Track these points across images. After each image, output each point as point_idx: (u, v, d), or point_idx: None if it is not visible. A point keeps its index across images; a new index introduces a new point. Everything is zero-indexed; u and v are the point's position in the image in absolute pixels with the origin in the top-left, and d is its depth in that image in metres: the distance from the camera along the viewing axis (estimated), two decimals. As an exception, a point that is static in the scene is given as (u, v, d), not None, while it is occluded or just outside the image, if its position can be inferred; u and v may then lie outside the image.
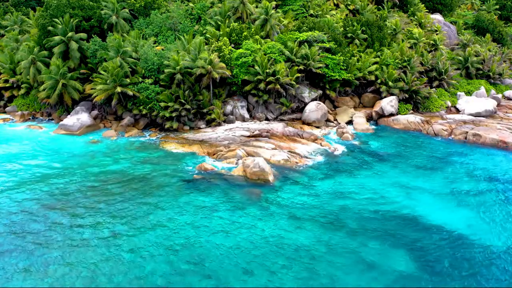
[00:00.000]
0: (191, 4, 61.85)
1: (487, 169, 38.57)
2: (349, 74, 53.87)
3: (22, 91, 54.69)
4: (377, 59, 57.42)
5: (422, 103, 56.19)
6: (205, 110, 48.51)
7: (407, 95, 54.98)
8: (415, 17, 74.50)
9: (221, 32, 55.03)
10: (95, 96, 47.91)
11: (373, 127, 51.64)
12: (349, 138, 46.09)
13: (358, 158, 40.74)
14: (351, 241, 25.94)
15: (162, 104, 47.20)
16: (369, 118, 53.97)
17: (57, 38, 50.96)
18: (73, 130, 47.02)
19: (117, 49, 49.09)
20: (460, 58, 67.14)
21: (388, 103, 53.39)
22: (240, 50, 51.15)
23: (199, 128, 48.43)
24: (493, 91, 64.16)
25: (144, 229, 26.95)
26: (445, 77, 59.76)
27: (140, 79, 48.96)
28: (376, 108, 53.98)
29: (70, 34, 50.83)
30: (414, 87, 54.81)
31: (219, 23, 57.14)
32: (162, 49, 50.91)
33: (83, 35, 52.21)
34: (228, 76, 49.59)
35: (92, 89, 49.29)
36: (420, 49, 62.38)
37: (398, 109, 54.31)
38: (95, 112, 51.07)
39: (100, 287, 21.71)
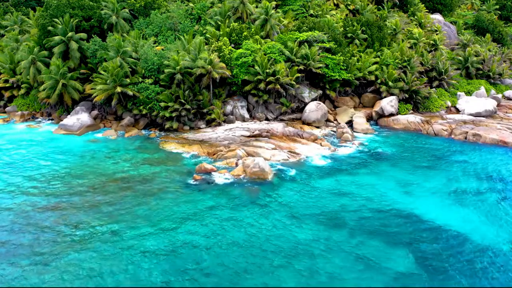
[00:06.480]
0: (191, 4, 61.87)
1: (487, 168, 38.56)
2: (349, 74, 53.88)
3: (22, 91, 54.76)
4: (377, 59, 57.43)
5: (422, 103, 56.20)
6: (205, 110, 48.52)
7: (407, 95, 54.99)
8: (415, 17, 74.52)
9: (221, 32, 55.04)
10: (95, 96, 47.93)
11: (373, 127, 51.63)
12: (349, 138, 46.07)
13: (358, 158, 40.76)
14: (351, 240, 25.95)
15: (162, 104, 47.21)
16: (369, 118, 53.97)
17: (57, 38, 50.99)
18: (73, 130, 47.03)
19: (117, 49, 49.11)
20: (460, 58, 67.17)
21: (388, 103, 53.39)
22: (240, 50, 51.16)
23: (199, 128, 48.43)
24: (493, 91, 64.19)
25: (144, 228, 26.95)
26: (445, 77, 59.77)
27: (140, 79, 48.98)
28: (376, 108, 53.98)
29: (70, 34, 50.86)
30: (414, 87, 54.82)
31: (219, 23, 57.16)
32: (162, 49, 50.92)
33: (83, 35, 52.25)
34: (228, 76, 49.59)
35: (92, 89, 49.31)
36: (420, 49, 62.38)
37: (398, 109, 54.31)
38: (95, 112, 51.09)
39: (100, 286, 21.71)
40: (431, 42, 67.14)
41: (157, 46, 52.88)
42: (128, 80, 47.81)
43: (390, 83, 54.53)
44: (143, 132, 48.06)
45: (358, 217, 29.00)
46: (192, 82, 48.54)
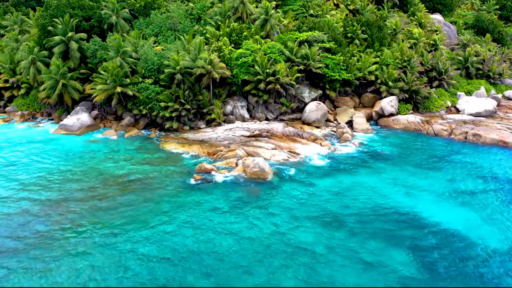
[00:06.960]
0: (191, 4, 61.88)
1: (487, 168, 38.56)
2: (349, 74, 53.88)
3: (22, 91, 54.76)
4: (377, 59, 57.44)
5: (422, 103, 56.21)
6: (205, 110, 48.52)
7: (407, 95, 54.99)
8: (415, 17, 74.53)
9: (221, 32, 55.04)
10: (95, 96, 47.93)
11: (373, 127, 51.66)
12: (349, 138, 46.07)
13: (358, 158, 40.76)
14: (351, 240, 25.95)
15: (162, 104, 47.22)
16: (369, 118, 53.97)
17: (57, 38, 51.00)
18: (73, 130, 47.02)
19: (117, 49, 49.11)
20: (460, 58, 67.17)
21: (388, 103, 53.39)
22: (240, 50, 51.16)
23: (199, 128, 48.43)
24: (493, 91, 64.19)
25: (144, 228, 26.95)
26: (445, 77, 59.77)
27: (140, 79, 48.98)
28: (376, 108, 53.98)
29: (70, 34, 50.86)
30: (414, 87, 54.83)
31: (219, 23, 57.17)
32: (162, 49, 50.92)
33: (83, 35, 52.25)
34: (228, 76, 49.60)
35: (92, 89, 49.32)
36: (420, 49, 62.40)
37: (398, 109, 54.31)
38: (95, 112, 51.09)
39: (100, 287, 21.71)
40: (431, 42, 67.15)
41: (157, 46, 52.88)
42: (128, 80, 47.82)
43: (390, 83, 54.53)
44: (143, 132, 48.06)
45: (358, 217, 29.00)
46: (192, 82, 48.54)
